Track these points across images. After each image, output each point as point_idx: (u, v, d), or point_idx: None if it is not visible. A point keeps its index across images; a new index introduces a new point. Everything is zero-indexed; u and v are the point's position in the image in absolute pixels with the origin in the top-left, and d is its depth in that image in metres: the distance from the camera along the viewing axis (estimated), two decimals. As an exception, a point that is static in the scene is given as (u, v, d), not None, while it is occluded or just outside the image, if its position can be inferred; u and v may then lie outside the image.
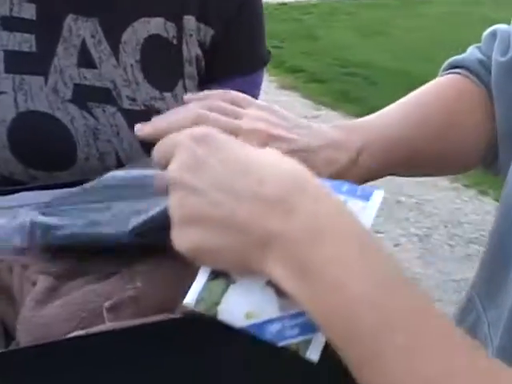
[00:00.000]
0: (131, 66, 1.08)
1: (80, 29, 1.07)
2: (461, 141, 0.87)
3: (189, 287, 0.57)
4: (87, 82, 1.07)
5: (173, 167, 0.58)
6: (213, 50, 1.12)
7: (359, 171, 0.79)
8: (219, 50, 1.12)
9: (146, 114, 1.04)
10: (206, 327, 0.60)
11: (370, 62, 6.27)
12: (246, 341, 0.56)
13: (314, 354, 0.54)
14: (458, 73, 0.89)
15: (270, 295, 0.55)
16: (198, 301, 0.55)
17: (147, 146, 1.05)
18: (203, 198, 0.54)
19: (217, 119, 0.74)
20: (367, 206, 0.57)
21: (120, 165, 1.06)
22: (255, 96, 1.16)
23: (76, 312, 0.65)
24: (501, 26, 0.88)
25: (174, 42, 1.10)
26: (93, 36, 1.07)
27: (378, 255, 0.52)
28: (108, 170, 1.02)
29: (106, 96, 1.07)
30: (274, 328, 0.54)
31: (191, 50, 1.11)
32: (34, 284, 0.70)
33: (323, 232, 0.52)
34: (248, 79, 1.16)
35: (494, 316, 0.76)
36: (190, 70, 1.11)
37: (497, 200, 4.22)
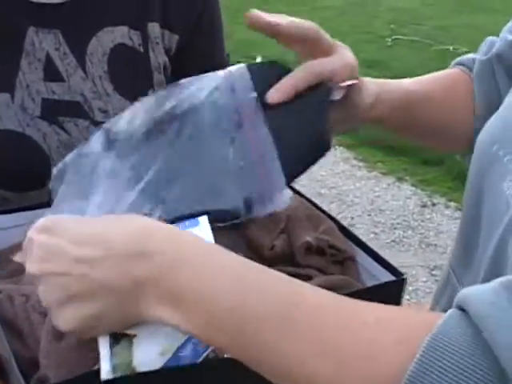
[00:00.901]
0: (100, 77, 1.06)
1: (43, 42, 1.04)
2: (454, 116, 0.99)
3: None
4: (56, 97, 1.04)
5: (29, 265, 0.62)
6: (178, 56, 1.11)
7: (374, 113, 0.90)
8: (184, 56, 1.12)
9: None
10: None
11: (281, 58, 6.31)
12: None
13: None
14: (459, 68, 1.03)
15: (167, 331, 0.59)
16: (114, 369, 0.58)
17: None
18: (66, 278, 0.59)
19: None
20: (201, 229, 0.65)
21: None
22: None
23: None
24: (492, 38, 1.00)
25: (141, 50, 1.08)
26: (57, 49, 1.04)
27: (228, 259, 0.59)
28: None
29: (76, 110, 1.05)
30: (187, 351, 0.60)
31: (158, 57, 1.09)
32: (43, 314, 0.68)
33: (179, 260, 0.58)
34: None
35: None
36: (158, 77, 1.10)
37: (414, 185, 4.33)
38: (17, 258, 0.67)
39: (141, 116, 0.73)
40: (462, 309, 0.51)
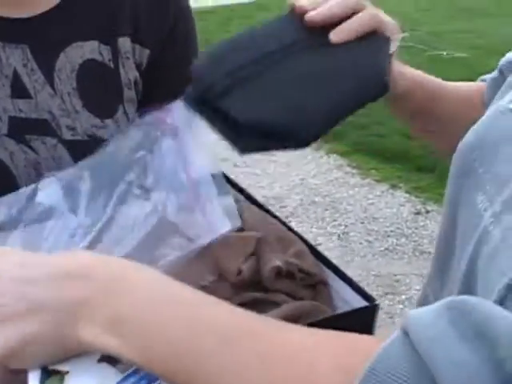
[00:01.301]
0: (68, 94, 1.03)
1: (10, 57, 1.01)
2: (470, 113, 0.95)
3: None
4: (23, 115, 1.01)
5: None
6: (149, 70, 1.09)
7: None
8: (155, 70, 1.09)
9: (89, 144, 1.01)
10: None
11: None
12: None
13: None
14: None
15: (106, 367, 0.57)
16: None
17: None
18: (3, 297, 0.57)
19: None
20: None
21: None
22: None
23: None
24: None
25: (111, 65, 1.06)
26: (24, 65, 1.01)
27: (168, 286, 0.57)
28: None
29: (44, 127, 1.02)
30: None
31: (129, 72, 1.07)
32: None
33: (120, 284, 0.57)
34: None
35: None
36: (129, 93, 1.07)
37: (408, 192, 4.32)
38: None
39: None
40: (405, 332, 0.49)
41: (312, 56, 0.75)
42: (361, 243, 3.77)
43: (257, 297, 0.75)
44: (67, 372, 0.56)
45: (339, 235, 3.81)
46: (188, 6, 1.13)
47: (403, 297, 3.33)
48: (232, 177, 1.01)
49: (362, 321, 0.72)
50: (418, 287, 3.37)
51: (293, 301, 0.76)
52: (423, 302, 0.90)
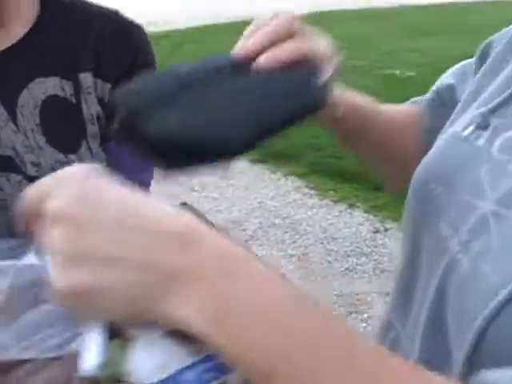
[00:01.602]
0: (32, 130, 1.03)
1: None
2: (406, 136, 1.01)
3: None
4: None
5: (56, 200, 0.51)
6: (112, 104, 1.08)
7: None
8: None
9: None
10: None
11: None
12: None
13: None
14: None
15: (172, 345, 0.50)
16: (101, 366, 0.48)
17: None
18: (98, 233, 0.49)
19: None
20: None
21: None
22: None
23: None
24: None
25: (73, 100, 1.06)
26: None
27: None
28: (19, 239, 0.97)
29: (8, 164, 1.02)
30: (189, 376, 0.50)
31: (91, 107, 1.07)
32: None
33: (235, 264, 0.49)
34: None
35: (410, 333, 0.78)
36: (92, 129, 1.07)
37: (366, 211, 4.34)
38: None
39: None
40: None
41: (235, 80, 0.73)
42: (321, 263, 3.77)
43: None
44: (133, 338, 0.50)
45: (299, 256, 3.81)
46: (148, 40, 1.13)
47: (365, 315, 3.34)
48: (189, 202, 1.00)
49: None
50: (379, 305, 3.38)
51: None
52: (388, 328, 0.90)
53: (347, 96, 0.92)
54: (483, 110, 0.77)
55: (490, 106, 0.77)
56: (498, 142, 0.73)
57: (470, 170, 0.74)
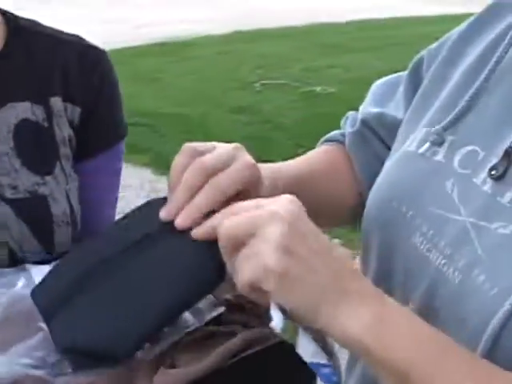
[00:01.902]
0: (6, 153, 1.06)
1: None
2: (338, 184, 1.03)
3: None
4: None
5: (275, 204, 0.66)
6: (81, 127, 1.13)
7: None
8: (87, 126, 1.14)
9: (31, 201, 1.05)
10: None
11: (150, 110, 6.33)
12: None
13: None
14: (330, 145, 1.07)
15: (316, 345, 0.69)
16: (283, 330, 0.68)
17: (40, 233, 1.05)
18: (304, 240, 0.64)
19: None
20: None
21: (12, 255, 1.04)
22: (121, 164, 1.19)
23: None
24: (352, 112, 1.06)
25: (45, 124, 1.10)
26: None
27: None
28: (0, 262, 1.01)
29: None
30: (324, 371, 0.69)
31: (63, 130, 1.11)
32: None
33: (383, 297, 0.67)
34: (115, 150, 1.19)
35: None
36: (64, 150, 1.11)
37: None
38: None
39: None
40: None
41: (140, 261, 0.78)
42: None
43: (211, 329, 0.80)
44: (297, 326, 0.68)
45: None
46: (112, 64, 1.18)
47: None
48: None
49: None
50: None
51: (245, 330, 0.80)
52: None
53: (267, 171, 0.88)
54: (437, 128, 0.82)
55: (443, 124, 0.82)
56: (457, 158, 0.79)
57: (433, 184, 0.80)
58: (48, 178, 1.08)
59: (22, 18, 1.14)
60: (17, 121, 1.08)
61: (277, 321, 0.67)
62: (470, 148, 0.79)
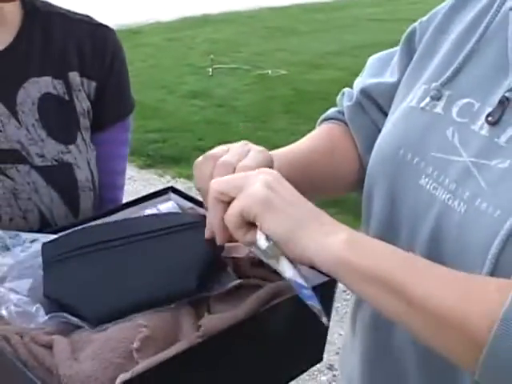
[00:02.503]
0: (32, 125, 1.12)
1: None
2: (339, 162, 1.10)
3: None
4: None
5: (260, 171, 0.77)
6: (96, 101, 1.19)
7: None
8: (102, 100, 1.19)
9: (58, 168, 1.11)
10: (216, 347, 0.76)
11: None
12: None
13: (325, 320, 0.75)
14: (330, 122, 1.16)
15: (295, 269, 0.75)
16: (266, 251, 0.74)
17: (67, 199, 1.11)
18: (286, 191, 0.76)
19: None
20: None
21: (44, 220, 1.10)
22: (128, 137, 1.26)
23: (110, 359, 0.70)
24: (348, 89, 1.14)
25: (66, 97, 1.15)
26: None
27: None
28: (32, 227, 1.06)
29: (16, 156, 1.10)
30: (306, 292, 0.74)
31: (82, 103, 1.17)
32: (46, 346, 0.74)
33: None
34: (125, 123, 1.25)
35: None
36: (84, 122, 1.17)
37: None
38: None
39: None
40: None
41: (138, 249, 0.89)
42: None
43: (241, 283, 0.86)
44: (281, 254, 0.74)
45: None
46: (120, 42, 1.24)
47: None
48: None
49: (322, 295, 0.78)
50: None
51: (268, 283, 0.87)
52: None
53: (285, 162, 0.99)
54: (435, 84, 0.92)
55: (440, 81, 0.92)
56: (454, 109, 0.89)
57: (435, 133, 0.90)
58: (71, 147, 1.14)
59: (38, 0, 1.19)
60: (40, 94, 1.13)
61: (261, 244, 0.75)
62: (465, 100, 0.89)
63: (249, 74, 7.18)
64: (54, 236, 0.94)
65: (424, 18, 1.05)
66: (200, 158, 0.86)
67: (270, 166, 0.84)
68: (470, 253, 0.78)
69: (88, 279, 0.85)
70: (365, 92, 1.09)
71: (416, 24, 1.06)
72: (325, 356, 0.95)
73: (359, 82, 1.12)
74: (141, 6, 10.62)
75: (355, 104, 1.10)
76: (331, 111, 1.16)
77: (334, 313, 2.89)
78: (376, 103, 1.09)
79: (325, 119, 1.16)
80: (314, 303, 0.73)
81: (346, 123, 1.12)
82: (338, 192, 1.19)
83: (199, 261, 0.85)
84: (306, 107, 5.75)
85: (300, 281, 0.74)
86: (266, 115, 5.95)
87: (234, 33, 9.13)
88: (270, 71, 7.14)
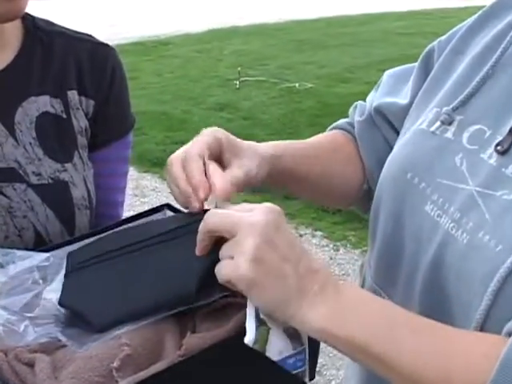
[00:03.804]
0: (30, 143, 1.13)
1: None
2: (341, 165, 1.10)
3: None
4: None
5: (257, 215, 0.74)
6: (95, 119, 1.20)
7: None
8: (100, 118, 1.21)
9: (54, 186, 1.12)
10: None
11: (131, 108, 6.35)
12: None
13: (307, 378, 0.79)
14: (335, 131, 1.16)
15: (286, 339, 0.76)
16: (254, 342, 0.73)
17: (63, 216, 1.12)
18: (277, 252, 0.73)
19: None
20: None
21: (39, 238, 1.11)
22: (129, 152, 1.27)
23: (89, 379, 0.71)
24: (360, 102, 1.15)
25: (64, 116, 1.17)
26: None
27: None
28: (27, 245, 1.08)
29: (13, 175, 1.12)
30: (290, 361, 0.76)
31: (80, 121, 1.18)
32: (28, 364, 0.75)
33: (338, 286, 0.75)
34: (125, 140, 1.26)
35: (399, 300, 0.90)
36: (81, 140, 1.18)
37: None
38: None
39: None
40: None
41: (150, 254, 0.89)
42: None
43: (229, 301, 0.86)
44: (270, 328, 0.74)
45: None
46: (121, 60, 1.25)
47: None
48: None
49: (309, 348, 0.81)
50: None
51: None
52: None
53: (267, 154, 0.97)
54: (447, 109, 0.91)
55: (453, 105, 0.91)
56: (465, 135, 0.88)
57: (443, 159, 0.88)
58: (68, 165, 1.15)
59: (39, 19, 1.21)
60: (38, 113, 1.15)
61: (250, 328, 0.74)
62: (477, 127, 0.87)
63: (276, 86, 7.19)
64: (47, 254, 0.95)
65: (443, 38, 1.04)
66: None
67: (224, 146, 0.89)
68: (471, 283, 0.77)
69: (99, 286, 0.86)
70: (378, 110, 1.09)
71: (435, 43, 1.05)
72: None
73: (373, 98, 1.11)
74: (170, 17, 10.70)
75: (367, 119, 1.10)
76: (341, 121, 1.16)
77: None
78: (388, 121, 1.08)
79: (333, 128, 1.16)
80: (300, 368, 0.77)
81: (353, 136, 1.11)
82: (337, 200, 1.18)
83: (201, 267, 0.85)
84: (332, 120, 5.60)
85: (284, 354, 0.77)
86: (292, 128, 5.96)
87: (262, 45, 9.16)
88: (297, 84, 7.15)
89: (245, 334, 0.76)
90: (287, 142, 1.05)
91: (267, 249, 0.72)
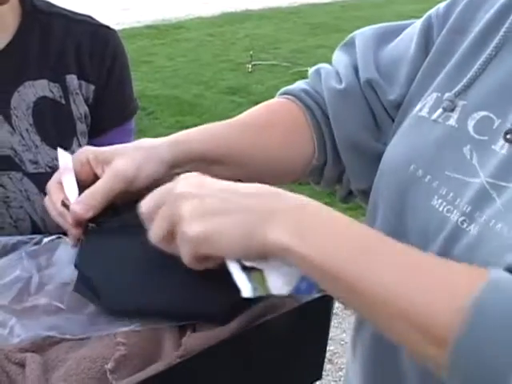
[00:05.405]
0: (26, 130, 1.09)
1: None
2: (272, 149, 1.03)
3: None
4: None
5: (179, 186, 0.73)
6: (95, 104, 1.16)
7: None
8: (101, 104, 1.17)
9: (51, 175, 1.07)
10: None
11: (142, 92, 6.32)
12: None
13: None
14: (286, 98, 1.07)
15: (285, 268, 0.70)
16: (254, 290, 0.69)
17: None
18: (213, 198, 0.70)
19: None
20: None
21: (35, 229, 1.08)
22: (131, 140, 1.23)
23: (82, 381, 0.67)
24: (324, 66, 1.09)
25: (62, 101, 1.12)
26: None
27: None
28: (23, 235, 1.04)
29: (8, 163, 1.08)
30: (303, 285, 0.70)
31: (79, 107, 1.14)
32: (19, 364, 0.71)
33: (306, 205, 0.69)
34: (126, 126, 1.22)
35: None
36: (81, 126, 1.14)
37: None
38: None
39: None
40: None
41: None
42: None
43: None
44: (262, 270, 0.69)
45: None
46: (122, 43, 1.21)
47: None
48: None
49: (321, 307, 0.78)
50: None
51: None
52: None
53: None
54: (449, 94, 0.84)
55: (455, 90, 0.84)
56: (470, 123, 0.81)
57: (450, 149, 0.82)
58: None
59: (38, 0, 1.16)
60: (35, 98, 1.11)
61: (241, 280, 0.69)
62: (482, 113, 0.81)
63: (288, 70, 7.13)
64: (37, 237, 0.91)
65: (440, 11, 0.96)
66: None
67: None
68: None
69: (123, 260, 0.81)
70: (369, 84, 0.99)
71: (433, 16, 0.97)
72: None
73: (363, 69, 1.02)
74: (183, 0, 10.62)
75: (348, 88, 1.00)
76: (294, 87, 1.08)
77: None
78: (378, 98, 0.99)
79: (284, 93, 1.08)
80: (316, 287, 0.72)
81: (306, 105, 1.03)
82: (279, 177, 1.07)
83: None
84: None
85: (290, 287, 0.71)
86: (304, 113, 5.89)
87: (275, 29, 9.08)
88: (309, 68, 7.06)
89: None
90: (210, 124, 0.99)
91: (199, 201, 0.70)
